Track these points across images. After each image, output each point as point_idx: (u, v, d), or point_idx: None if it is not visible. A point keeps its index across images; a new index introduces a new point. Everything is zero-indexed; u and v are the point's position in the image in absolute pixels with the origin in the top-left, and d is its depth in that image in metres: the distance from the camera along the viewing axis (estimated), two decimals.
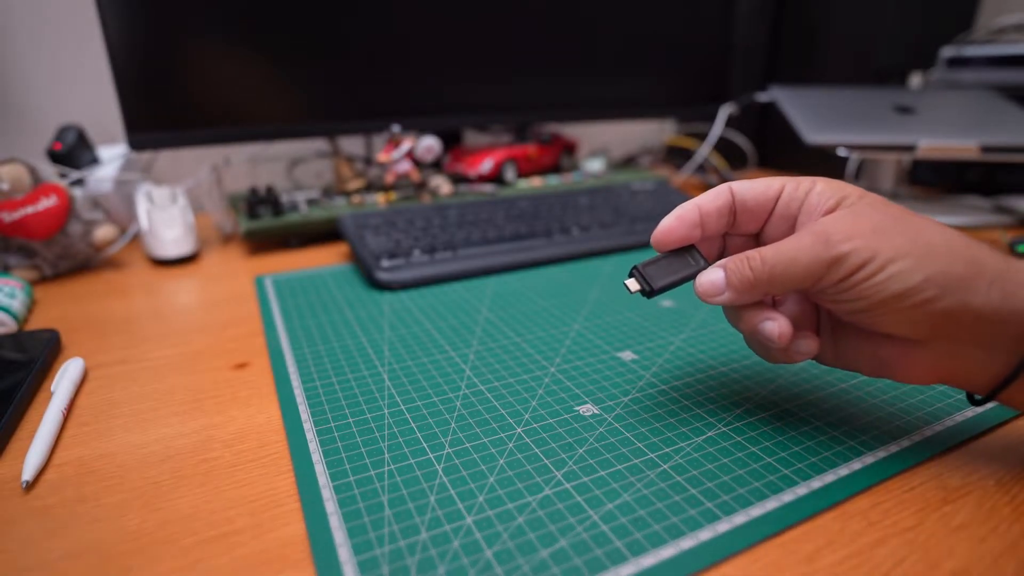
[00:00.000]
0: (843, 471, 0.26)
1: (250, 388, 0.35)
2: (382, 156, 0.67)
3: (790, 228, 0.27)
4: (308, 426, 0.30)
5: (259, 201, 0.61)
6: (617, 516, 0.23)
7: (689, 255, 0.28)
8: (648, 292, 0.28)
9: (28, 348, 0.38)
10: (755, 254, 0.25)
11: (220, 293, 0.50)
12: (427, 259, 0.51)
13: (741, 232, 0.29)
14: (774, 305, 0.29)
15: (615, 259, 0.55)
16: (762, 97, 0.80)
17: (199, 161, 0.81)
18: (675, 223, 0.27)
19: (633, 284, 0.28)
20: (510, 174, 0.76)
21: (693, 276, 0.27)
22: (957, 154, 0.63)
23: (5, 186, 0.49)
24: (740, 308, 0.27)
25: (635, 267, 0.28)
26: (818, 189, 0.26)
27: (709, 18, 0.83)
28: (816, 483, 0.25)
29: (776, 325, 0.25)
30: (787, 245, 0.25)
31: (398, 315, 0.44)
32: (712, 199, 0.28)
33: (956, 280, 0.22)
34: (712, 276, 0.26)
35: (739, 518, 0.23)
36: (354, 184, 0.70)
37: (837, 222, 0.24)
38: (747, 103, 0.86)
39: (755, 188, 0.27)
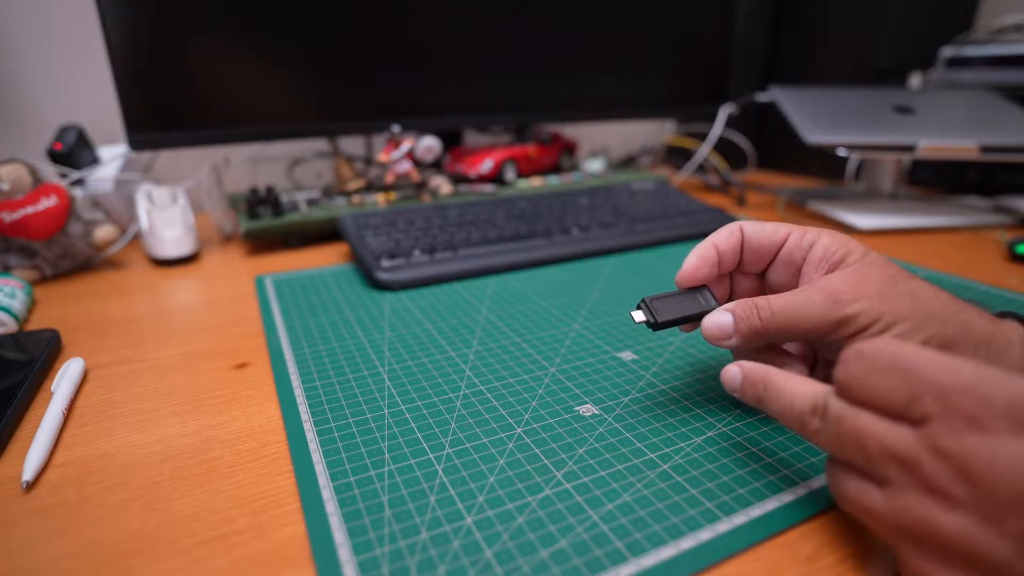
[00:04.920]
0: None
1: (250, 388, 0.35)
2: (382, 156, 0.67)
3: (793, 275, 0.29)
4: (308, 426, 0.30)
5: (259, 201, 0.61)
6: (617, 516, 0.23)
7: (700, 294, 0.29)
8: (653, 325, 0.28)
9: (28, 348, 0.38)
10: (764, 303, 0.26)
11: (220, 293, 0.50)
12: (427, 259, 0.51)
13: (746, 271, 0.30)
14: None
15: (615, 259, 0.55)
16: (762, 97, 0.80)
17: (199, 161, 0.81)
18: (697, 263, 0.29)
19: (639, 315, 0.29)
20: (510, 174, 0.76)
21: (701, 316, 0.28)
22: (957, 154, 0.63)
23: (5, 186, 0.49)
24: (751, 351, 0.28)
25: (644, 300, 0.29)
26: (823, 242, 0.27)
27: (709, 18, 0.83)
28: (816, 483, 0.25)
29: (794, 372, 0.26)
30: (797, 299, 0.26)
31: (398, 315, 0.44)
32: (726, 237, 0.29)
33: (949, 342, 0.24)
34: (720, 320, 0.27)
35: (739, 518, 0.23)
36: (354, 184, 0.70)
37: (845, 282, 0.26)
38: (747, 103, 0.86)
39: (764, 231, 0.29)
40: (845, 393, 0.20)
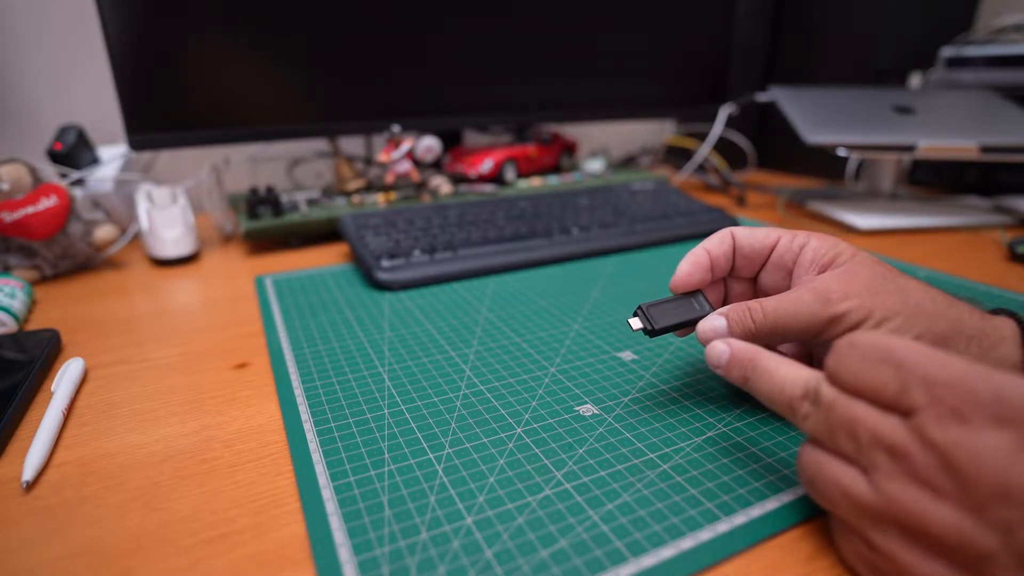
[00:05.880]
0: None
1: (250, 388, 0.35)
2: (382, 156, 0.67)
3: (784, 277, 0.29)
4: (308, 426, 0.30)
5: (259, 201, 0.61)
6: (617, 516, 0.23)
7: (694, 299, 0.30)
8: (650, 331, 0.29)
9: (28, 348, 0.38)
10: (757, 305, 0.26)
11: (220, 293, 0.50)
12: (427, 259, 0.51)
13: (739, 276, 0.31)
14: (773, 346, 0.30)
15: (615, 259, 0.55)
16: (762, 97, 0.80)
17: (199, 161, 0.81)
18: (691, 268, 0.29)
19: (636, 322, 0.29)
20: (510, 174, 0.76)
21: (696, 320, 0.29)
22: (957, 154, 0.63)
23: (5, 186, 0.49)
24: None
25: (640, 306, 0.29)
26: (813, 244, 0.28)
27: (709, 18, 0.83)
28: None
29: None
30: (788, 299, 0.26)
31: (398, 315, 0.44)
32: (718, 243, 0.30)
33: (940, 337, 0.24)
34: (714, 323, 0.27)
35: (739, 518, 0.23)
36: (354, 184, 0.70)
37: (835, 281, 0.26)
38: (747, 103, 0.86)
39: (754, 236, 0.29)
40: (836, 380, 0.21)
